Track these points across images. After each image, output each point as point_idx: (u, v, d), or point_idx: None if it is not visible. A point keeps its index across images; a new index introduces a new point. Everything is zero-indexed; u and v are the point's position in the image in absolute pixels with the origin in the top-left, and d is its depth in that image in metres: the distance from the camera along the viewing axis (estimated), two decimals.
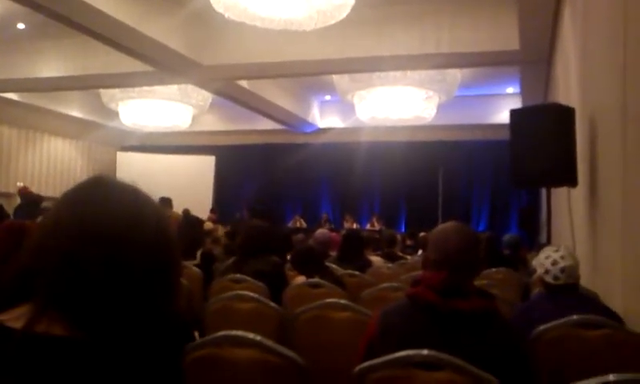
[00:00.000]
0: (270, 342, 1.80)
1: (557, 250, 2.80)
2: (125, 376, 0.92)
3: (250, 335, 1.82)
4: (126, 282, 0.95)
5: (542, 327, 2.46)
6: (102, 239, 0.95)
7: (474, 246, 1.96)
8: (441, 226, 2.01)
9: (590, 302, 2.68)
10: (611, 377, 1.45)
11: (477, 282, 3.79)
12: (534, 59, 8.58)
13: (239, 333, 1.82)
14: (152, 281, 0.99)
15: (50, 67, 10.88)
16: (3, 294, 0.97)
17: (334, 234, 6.69)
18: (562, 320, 2.43)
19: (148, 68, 9.96)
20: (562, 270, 2.68)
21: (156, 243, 1.02)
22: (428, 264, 1.96)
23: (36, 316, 0.91)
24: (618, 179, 3.26)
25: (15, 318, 0.92)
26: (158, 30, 8.49)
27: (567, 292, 2.68)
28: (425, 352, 1.67)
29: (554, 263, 2.72)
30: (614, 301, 2.87)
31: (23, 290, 0.95)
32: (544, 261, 2.77)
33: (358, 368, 1.74)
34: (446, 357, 1.64)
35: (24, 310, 0.93)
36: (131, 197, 1.04)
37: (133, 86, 12.26)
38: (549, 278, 2.72)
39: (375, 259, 5.83)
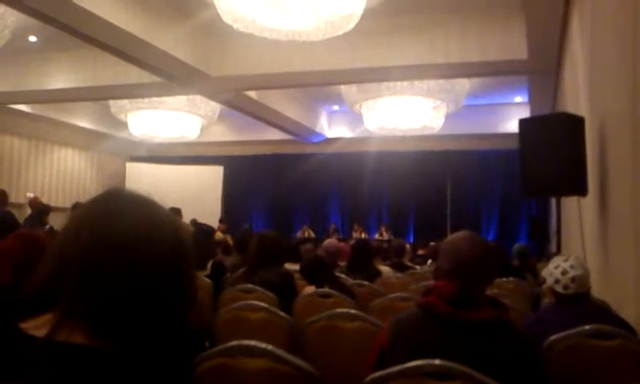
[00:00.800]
0: (281, 352, 1.80)
1: (566, 260, 2.78)
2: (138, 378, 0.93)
3: (262, 345, 1.82)
4: (145, 291, 0.97)
5: (553, 337, 2.45)
6: (121, 250, 0.97)
7: (487, 255, 1.95)
8: (453, 236, 2.00)
9: (601, 312, 2.67)
10: None
11: (487, 292, 3.79)
12: (542, 68, 8.57)
13: (250, 342, 1.83)
14: (170, 290, 1.01)
15: (60, 79, 10.98)
16: (25, 302, 0.99)
17: (342, 244, 6.69)
18: (574, 330, 2.42)
19: (156, 79, 10.02)
20: (573, 280, 2.67)
21: (173, 253, 1.03)
22: (440, 274, 1.95)
23: (58, 325, 0.92)
24: (628, 188, 3.25)
25: (37, 327, 0.94)
26: (167, 41, 8.55)
27: (578, 301, 2.66)
28: (437, 362, 1.66)
29: (564, 272, 2.71)
30: (626, 311, 2.85)
31: (45, 300, 0.96)
32: (554, 270, 2.76)
33: (369, 378, 1.73)
34: (458, 367, 1.64)
35: (46, 319, 0.94)
36: (147, 208, 1.06)
37: (141, 96, 12.32)
38: (559, 288, 2.71)
39: (384, 269, 5.82)
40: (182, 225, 1.11)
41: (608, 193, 4.03)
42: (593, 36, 4.72)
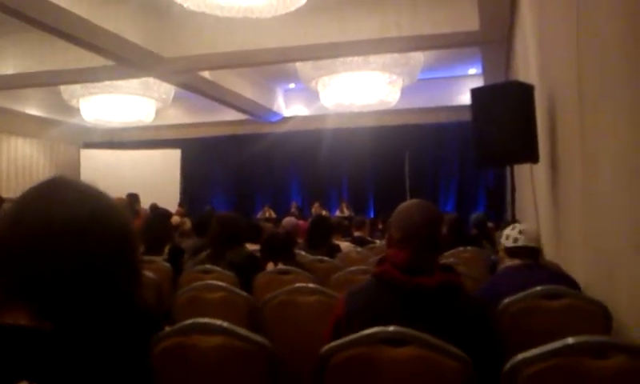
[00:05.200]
0: (237, 328, 1.80)
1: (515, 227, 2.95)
2: (91, 365, 0.93)
3: (217, 322, 1.81)
4: (87, 272, 0.97)
5: (507, 300, 2.51)
6: (63, 232, 0.97)
7: (437, 222, 1.98)
8: (403, 204, 2.02)
9: (552, 273, 2.75)
10: (570, 340, 1.49)
11: (443, 261, 3.86)
12: (494, 39, 8.67)
13: (206, 320, 1.82)
14: (113, 271, 1.02)
15: (6, 64, 10.60)
16: None
17: (301, 222, 6.70)
18: (526, 292, 2.49)
19: (108, 62, 9.79)
20: (520, 232, 2.85)
21: (116, 236, 1.05)
22: (392, 242, 1.97)
23: (1, 307, 0.93)
24: (576, 154, 3.33)
25: None
26: (116, 22, 8.34)
27: (528, 257, 2.78)
28: (391, 328, 1.69)
29: (513, 228, 2.92)
30: (576, 273, 2.94)
31: None
32: (505, 233, 2.94)
33: (325, 348, 1.75)
34: (411, 332, 1.66)
35: None
36: (90, 193, 1.07)
37: (93, 81, 12.03)
38: (509, 243, 2.86)
39: (344, 245, 5.86)
40: (125, 210, 1.12)
41: (558, 159, 4.13)
42: (541, 6, 4.79)
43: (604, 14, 2.52)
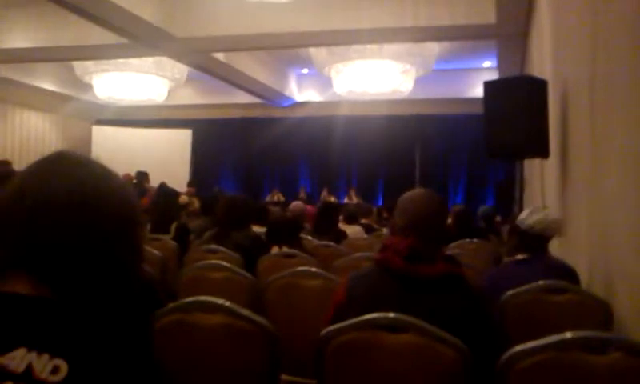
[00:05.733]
0: (237, 307, 1.81)
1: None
2: (89, 333, 0.94)
3: (219, 301, 1.83)
4: (87, 245, 0.98)
5: (509, 293, 2.52)
6: (66, 205, 0.98)
7: (440, 211, 1.99)
8: (409, 193, 2.03)
9: (552, 267, 2.74)
10: (568, 335, 1.49)
11: (449, 252, 3.86)
12: (511, 33, 8.60)
13: (207, 298, 1.84)
14: (114, 245, 1.03)
15: (18, 37, 10.56)
16: None
17: (308, 207, 6.72)
18: (529, 285, 2.50)
19: (121, 40, 9.78)
20: (538, 221, 2.81)
21: (118, 210, 1.05)
22: (396, 230, 1.98)
23: (1, 277, 0.95)
24: (587, 151, 3.31)
25: None
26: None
27: (536, 251, 2.76)
28: (391, 315, 1.70)
29: (532, 213, 2.86)
30: (580, 269, 2.94)
31: None
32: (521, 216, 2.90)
33: (325, 331, 1.76)
34: (410, 319, 1.67)
35: None
36: (94, 167, 1.07)
37: (106, 58, 12.01)
38: (524, 226, 2.82)
39: (353, 229, 5.88)
40: (130, 186, 1.12)
41: (568, 156, 4.11)
42: (558, 3, 4.75)
43: (618, 14, 2.51)
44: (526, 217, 2.86)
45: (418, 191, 2.05)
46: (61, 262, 0.96)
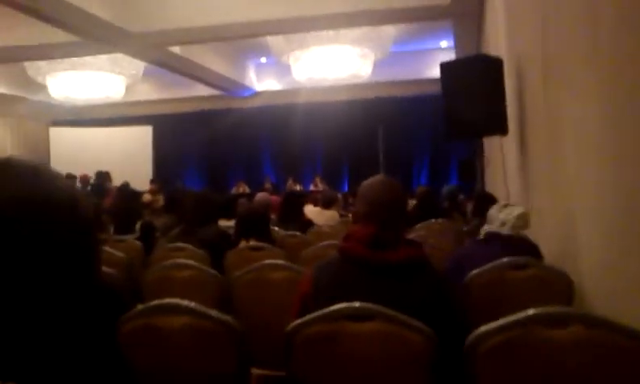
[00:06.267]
0: (203, 308, 1.80)
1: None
2: (49, 353, 0.91)
3: (183, 302, 1.81)
4: (39, 256, 0.94)
5: (473, 272, 2.55)
6: (12, 214, 0.93)
7: (400, 197, 2.00)
8: (369, 180, 2.04)
9: (514, 243, 2.78)
10: (530, 311, 1.52)
11: (414, 234, 3.90)
12: (465, 12, 8.67)
13: (172, 300, 1.82)
14: (68, 253, 0.99)
15: None
16: None
17: (274, 197, 6.70)
18: (492, 263, 2.53)
19: (74, 38, 9.55)
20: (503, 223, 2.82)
21: (69, 216, 1.01)
22: (358, 217, 1.99)
23: None
24: (542, 127, 3.37)
25: None
26: None
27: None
28: (356, 304, 1.70)
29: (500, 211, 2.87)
30: (545, 244, 2.99)
31: None
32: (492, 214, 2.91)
33: (292, 324, 1.76)
34: (375, 307, 1.68)
35: None
36: (41, 172, 1.02)
37: (59, 57, 11.72)
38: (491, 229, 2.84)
39: (331, 215, 5.95)
40: (78, 189, 1.08)
41: (525, 131, 4.18)
42: None
43: None
44: (492, 218, 2.88)
45: (377, 178, 2.05)
46: (8, 276, 0.92)
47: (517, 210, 2.82)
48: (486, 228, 2.92)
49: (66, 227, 0.99)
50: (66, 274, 0.99)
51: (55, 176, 1.04)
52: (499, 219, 2.83)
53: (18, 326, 0.91)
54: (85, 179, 11.12)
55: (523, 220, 2.81)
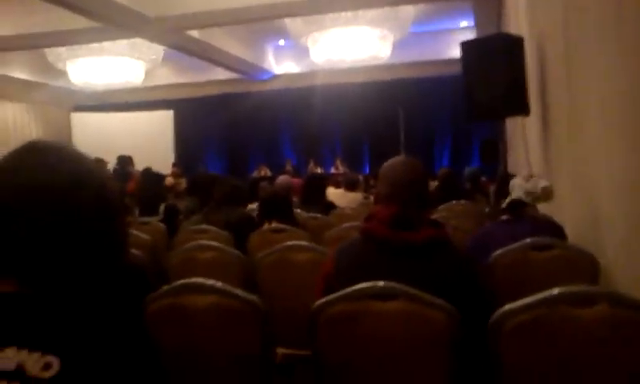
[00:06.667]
0: (228, 287, 1.82)
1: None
2: (80, 327, 0.93)
3: (209, 282, 1.83)
4: (66, 238, 0.97)
5: (497, 252, 2.55)
6: (41, 198, 0.96)
7: (421, 177, 2.01)
8: (390, 161, 2.04)
9: (538, 225, 2.77)
10: (555, 291, 1.52)
11: (437, 215, 3.89)
12: None
13: (197, 280, 1.84)
14: (93, 236, 1.01)
15: None
16: None
17: (295, 180, 6.71)
18: (516, 244, 2.52)
19: (93, 24, 9.62)
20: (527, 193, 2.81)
21: (96, 196, 1.03)
22: (379, 198, 1.99)
23: None
24: (565, 105, 3.33)
25: None
26: None
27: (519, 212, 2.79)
28: (380, 284, 1.71)
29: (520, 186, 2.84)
30: (566, 224, 2.97)
31: None
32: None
33: (316, 304, 1.78)
34: (399, 287, 1.69)
35: None
36: (68, 155, 1.04)
37: (79, 43, 11.82)
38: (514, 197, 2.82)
39: (355, 197, 5.99)
40: (105, 172, 1.10)
41: (548, 111, 4.13)
42: None
43: None
44: (516, 188, 2.87)
45: (398, 159, 2.06)
46: (40, 259, 0.95)
47: (542, 183, 2.80)
48: (509, 199, 2.90)
49: (90, 208, 1.01)
50: (96, 255, 1.01)
51: (82, 158, 1.06)
52: (524, 188, 2.82)
53: (51, 302, 0.94)
54: (101, 164, 11.17)
55: (549, 194, 2.80)
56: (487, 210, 5.20)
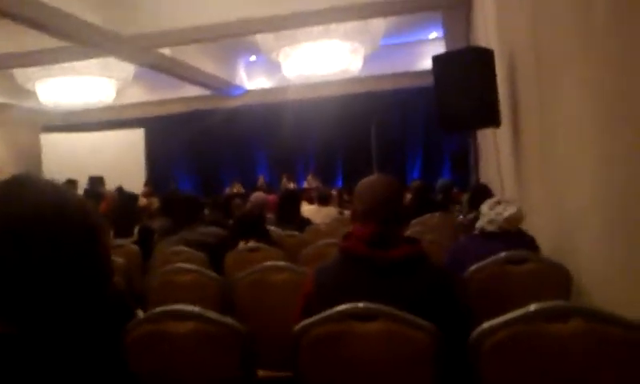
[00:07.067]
0: (208, 312, 1.81)
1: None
2: (61, 363, 0.93)
3: (188, 307, 1.82)
4: (52, 273, 0.96)
5: (472, 268, 2.57)
6: (25, 233, 0.95)
7: (398, 195, 2.03)
8: (365, 180, 2.05)
9: (512, 237, 2.81)
10: (532, 307, 1.54)
11: (411, 230, 3.91)
12: (455, 3, 8.69)
13: (177, 306, 1.83)
14: (79, 268, 1.00)
15: None
16: None
17: (270, 196, 6.70)
18: (492, 258, 2.55)
19: (63, 44, 9.52)
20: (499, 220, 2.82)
21: (80, 228, 1.02)
22: (357, 216, 2.01)
23: None
24: (536, 118, 3.39)
25: None
26: (70, 1, 8.09)
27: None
28: (360, 305, 1.72)
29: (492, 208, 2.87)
30: (540, 237, 3.02)
31: None
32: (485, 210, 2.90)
33: (298, 326, 1.78)
34: (380, 307, 1.70)
35: None
36: (52, 188, 1.04)
37: (50, 63, 11.69)
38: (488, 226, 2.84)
39: (328, 211, 5.99)
40: (89, 203, 1.09)
41: (519, 123, 4.19)
42: None
43: None
44: (483, 216, 2.90)
45: (374, 177, 2.08)
46: (23, 296, 0.93)
47: (508, 211, 2.82)
48: (478, 224, 2.94)
49: (80, 236, 1.00)
50: (79, 287, 1.00)
51: (61, 189, 1.06)
52: (488, 217, 2.85)
53: (37, 342, 0.93)
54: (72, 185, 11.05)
55: (513, 222, 2.82)
56: (460, 217, 5.27)
